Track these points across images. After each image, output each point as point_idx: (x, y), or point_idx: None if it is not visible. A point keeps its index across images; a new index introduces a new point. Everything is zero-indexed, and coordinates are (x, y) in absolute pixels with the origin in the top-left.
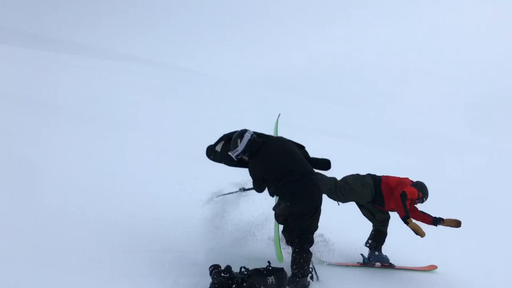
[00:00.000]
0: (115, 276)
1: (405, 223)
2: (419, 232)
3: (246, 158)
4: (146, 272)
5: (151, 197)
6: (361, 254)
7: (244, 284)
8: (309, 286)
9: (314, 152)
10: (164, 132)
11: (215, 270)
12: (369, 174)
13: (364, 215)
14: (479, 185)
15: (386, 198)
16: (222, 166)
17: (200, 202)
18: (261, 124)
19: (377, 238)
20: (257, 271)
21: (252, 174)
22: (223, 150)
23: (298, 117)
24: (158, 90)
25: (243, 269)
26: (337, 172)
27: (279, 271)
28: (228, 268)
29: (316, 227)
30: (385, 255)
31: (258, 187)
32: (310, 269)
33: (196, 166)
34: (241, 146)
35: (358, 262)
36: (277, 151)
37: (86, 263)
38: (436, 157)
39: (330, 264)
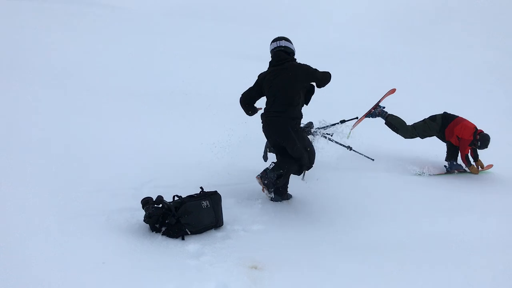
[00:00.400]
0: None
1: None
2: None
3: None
4: (79, 213)
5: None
6: (444, 166)
7: (178, 210)
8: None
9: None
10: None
11: (146, 202)
12: (445, 112)
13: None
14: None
15: (447, 137)
16: None
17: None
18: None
19: (451, 153)
20: (190, 197)
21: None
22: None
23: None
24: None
25: (176, 198)
26: None
27: (212, 194)
28: (160, 198)
29: (306, 162)
30: (460, 164)
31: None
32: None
33: None
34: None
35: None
36: (277, 79)
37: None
38: (359, 71)
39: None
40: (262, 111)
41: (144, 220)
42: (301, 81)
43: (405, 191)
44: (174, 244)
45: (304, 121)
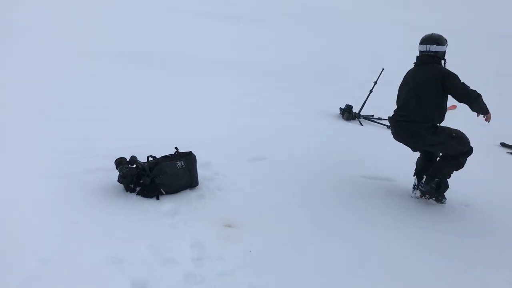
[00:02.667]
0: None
1: None
2: None
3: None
4: (53, 174)
5: None
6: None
7: (153, 171)
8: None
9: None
10: None
11: (120, 162)
12: None
13: None
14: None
15: None
16: None
17: None
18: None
19: None
20: (165, 157)
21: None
22: None
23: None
24: None
25: (150, 158)
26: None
27: (187, 155)
28: (134, 158)
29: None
30: None
31: None
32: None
33: None
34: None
35: None
36: (406, 79)
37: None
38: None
39: None
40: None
41: (118, 180)
42: (436, 83)
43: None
44: (148, 204)
45: (341, 105)
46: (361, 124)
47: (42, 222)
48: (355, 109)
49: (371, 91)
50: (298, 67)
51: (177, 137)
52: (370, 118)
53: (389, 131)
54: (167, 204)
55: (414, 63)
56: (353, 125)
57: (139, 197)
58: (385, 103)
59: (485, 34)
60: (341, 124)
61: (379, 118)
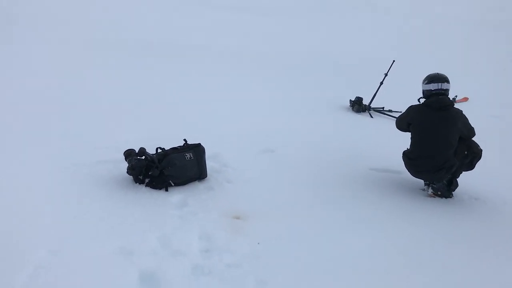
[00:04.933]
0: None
1: None
2: None
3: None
4: (62, 166)
5: None
6: None
7: (162, 162)
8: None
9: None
10: None
11: (129, 154)
12: None
13: None
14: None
15: None
16: None
17: None
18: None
19: None
20: (173, 149)
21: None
22: None
23: None
24: None
25: (159, 150)
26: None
27: (196, 147)
28: (143, 149)
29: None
30: None
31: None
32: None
33: None
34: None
35: None
36: (428, 125)
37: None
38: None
39: None
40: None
41: (127, 172)
42: (458, 130)
43: None
44: (157, 195)
45: (351, 97)
46: (371, 116)
47: (52, 213)
48: (365, 101)
49: (381, 83)
50: (307, 59)
51: (186, 129)
52: (380, 110)
53: None
54: (176, 195)
55: (425, 103)
56: (363, 117)
57: (148, 188)
58: (396, 95)
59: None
60: (351, 116)
61: (390, 110)
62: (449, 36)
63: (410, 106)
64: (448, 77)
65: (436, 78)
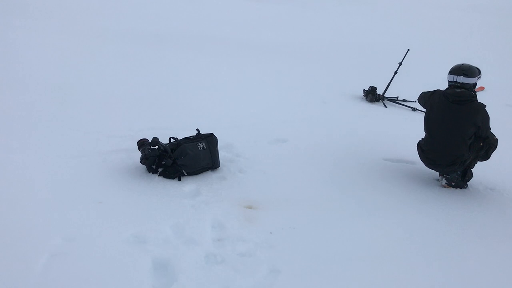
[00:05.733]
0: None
1: None
2: None
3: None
4: (76, 154)
5: None
6: None
7: (175, 152)
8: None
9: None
10: None
11: (142, 143)
12: None
13: None
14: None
15: None
16: None
17: None
18: None
19: None
20: (186, 138)
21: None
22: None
23: None
24: None
25: (172, 139)
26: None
27: (209, 136)
28: (156, 139)
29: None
30: None
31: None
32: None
33: None
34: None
35: None
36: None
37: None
38: None
39: None
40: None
41: (140, 161)
42: (474, 125)
43: None
44: (170, 185)
45: (365, 87)
46: (385, 106)
47: (66, 202)
48: (379, 91)
49: (395, 72)
50: (321, 48)
51: (199, 118)
52: (394, 100)
53: (413, 113)
54: (189, 185)
55: (445, 93)
56: (377, 107)
57: (161, 178)
58: (410, 85)
59: None
60: (364, 106)
61: (404, 100)
62: (464, 24)
63: (437, 89)
64: (477, 70)
65: (454, 69)
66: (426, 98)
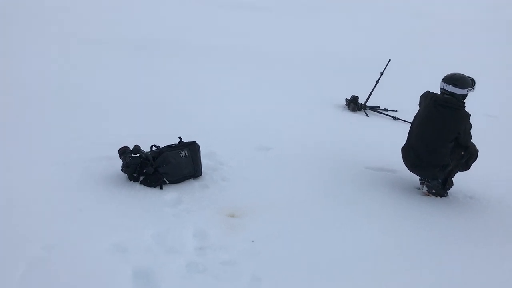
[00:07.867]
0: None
1: None
2: None
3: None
4: (58, 161)
5: None
6: None
7: (156, 160)
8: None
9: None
10: None
11: (124, 151)
12: None
13: None
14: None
15: None
16: None
17: None
18: None
19: None
20: (168, 146)
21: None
22: None
23: None
24: None
25: (154, 147)
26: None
27: (191, 144)
28: (137, 147)
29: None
30: None
31: None
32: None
33: None
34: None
35: None
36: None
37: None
38: None
39: None
40: None
41: (121, 170)
42: (455, 132)
43: None
44: (152, 193)
45: (347, 96)
46: (367, 115)
47: (47, 209)
48: (361, 100)
49: (377, 82)
50: (304, 57)
51: (181, 126)
52: (376, 109)
53: (395, 123)
54: (170, 193)
55: (435, 96)
56: (358, 116)
57: (142, 186)
58: (392, 95)
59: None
60: (346, 115)
61: (385, 109)
62: (447, 35)
63: (432, 92)
64: (470, 81)
65: (446, 77)
66: (421, 98)
